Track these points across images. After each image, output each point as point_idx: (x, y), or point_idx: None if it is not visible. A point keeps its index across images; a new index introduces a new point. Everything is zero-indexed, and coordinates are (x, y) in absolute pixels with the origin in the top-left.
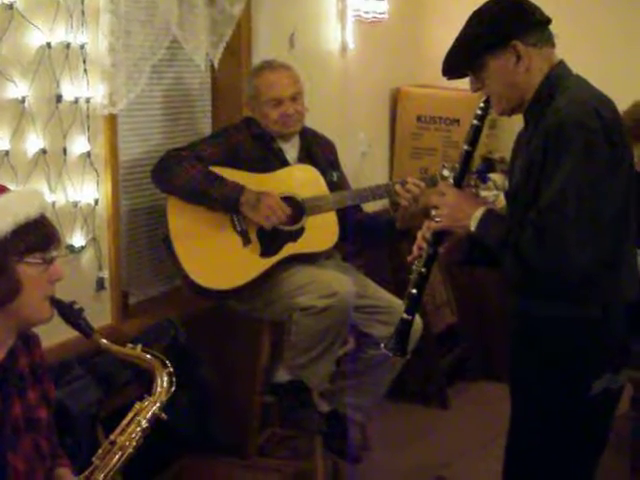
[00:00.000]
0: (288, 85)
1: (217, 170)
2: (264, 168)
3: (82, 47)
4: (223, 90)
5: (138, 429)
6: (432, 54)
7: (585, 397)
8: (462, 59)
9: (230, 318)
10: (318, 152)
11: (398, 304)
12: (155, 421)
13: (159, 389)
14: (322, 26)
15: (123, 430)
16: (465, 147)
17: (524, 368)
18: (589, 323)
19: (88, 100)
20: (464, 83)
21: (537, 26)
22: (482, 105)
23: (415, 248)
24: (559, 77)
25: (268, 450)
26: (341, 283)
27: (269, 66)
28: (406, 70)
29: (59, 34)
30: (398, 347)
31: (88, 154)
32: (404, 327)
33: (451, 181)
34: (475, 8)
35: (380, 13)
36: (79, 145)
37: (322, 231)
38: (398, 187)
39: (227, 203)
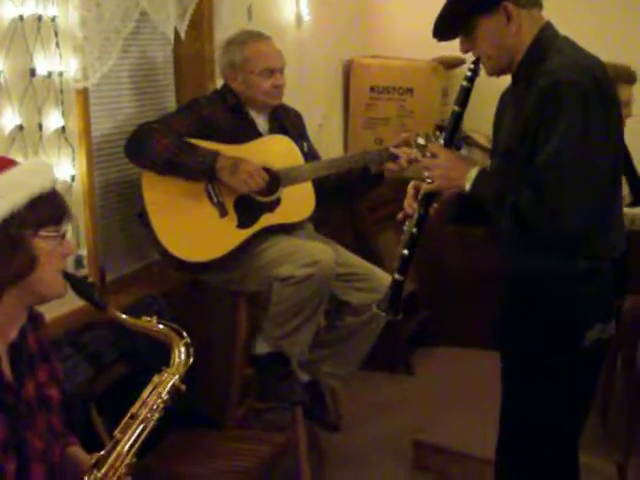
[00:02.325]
0: (279, 56)
1: (190, 141)
2: (237, 139)
3: (53, 20)
4: (186, 63)
5: (159, 401)
6: (383, 25)
7: (579, 347)
8: (453, 20)
9: (206, 292)
10: (288, 123)
11: (374, 271)
12: (175, 393)
13: (177, 360)
14: None
15: (144, 403)
16: (455, 108)
17: (518, 325)
18: (582, 276)
19: (61, 74)
20: (416, 52)
21: None
22: (471, 66)
23: (406, 205)
24: (548, 38)
25: (247, 422)
26: (322, 251)
27: (258, 36)
28: (358, 41)
29: (30, 6)
30: (391, 308)
31: (63, 129)
32: (396, 288)
33: (441, 141)
34: None
35: None
36: (54, 120)
37: (298, 201)
38: (394, 149)
39: (203, 170)
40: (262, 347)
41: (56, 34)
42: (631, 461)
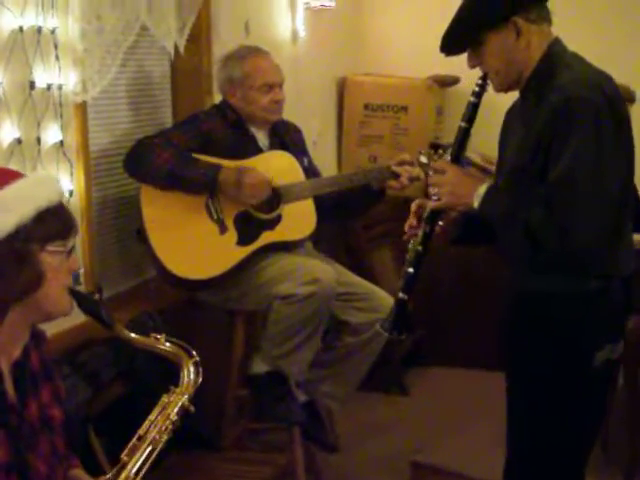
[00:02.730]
0: (277, 72)
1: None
2: (238, 155)
3: (53, 32)
4: (183, 77)
5: (167, 422)
6: (376, 42)
7: (589, 368)
8: (462, 35)
9: (203, 310)
10: (288, 138)
11: (373, 290)
12: (184, 414)
13: (186, 380)
14: (274, 13)
15: (152, 424)
16: (462, 124)
17: (526, 345)
18: (591, 296)
19: (60, 87)
20: (410, 70)
21: (537, 2)
22: (479, 82)
23: (407, 226)
24: (558, 54)
25: (243, 443)
26: (323, 270)
27: (257, 51)
28: (352, 59)
29: (30, 18)
30: (395, 327)
31: (61, 143)
32: (400, 307)
33: (448, 158)
34: (414, 2)
35: (328, 1)
36: (52, 134)
37: (299, 219)
38: (396, 167)
39: (205, 182)
40: (259, 366)
41: (56, 46)
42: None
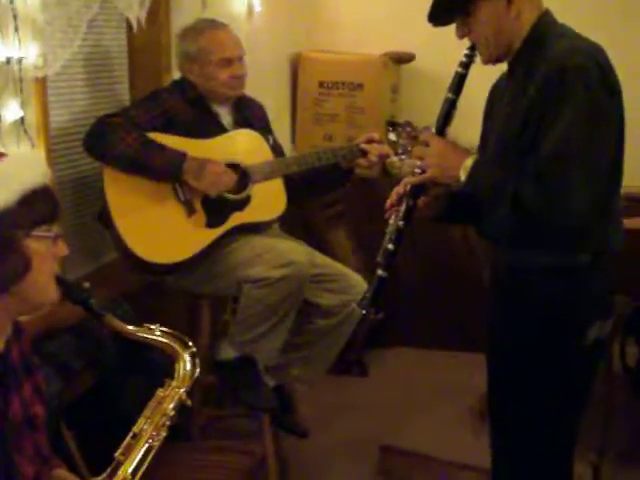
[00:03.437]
0: (236, 45)
1: (154, 137)
2: (201, 134)
3: (11, 2)
4: (140, 53)
5: (164, 418)
6: (329, 18)
7: (581, 346)
8: (452, 4)
9: (165, 295)
10: (253, 116)
11: (344, 271)
12: (180, 408)
13: (182, 372)
14: None
15: (147, 420)
16: (449, 95)
17: (515, 323)
18: (581, 271)
19: (20, 61)
20: (364, 47)
21: None
22: (467, 52)
23: (388, 204)
24: (548, 25)
25: (210, 431)
26: (296, 251)
27: (214, 25)
28: (306, 35)
29: None
30: (372, 305)
31: (22, 121)
32: (380, 284)
33: (433, 130)
34: None
35: None
36: (12, 111)
37: (269, 199)
38: (364, 145)
39: (169, 172)
40: (227, 352)
41: (15, 17)
42: (606, 461)
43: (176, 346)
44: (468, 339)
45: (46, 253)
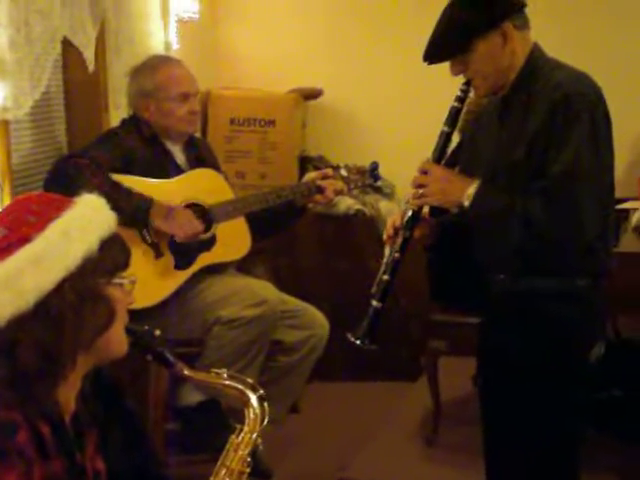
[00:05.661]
0: (192, 80)
1: (118, 179)
2: (160, 173)
3: None
4: (77, 91)
5: (245, 464)
6: (235, 55)
7: (585, 367)
8: (451, 43)
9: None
10: (202, 154)
11: (304, 306)
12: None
13: (252, 416)
14: (152, 24)
15: (228, 470)
16: (444, 128)
17: (516, 347)
18: (582, 294)
19: None
20: (270, 84)
21: (520, 8)
22: (463, 87)
23: (385, 236)
24: (540, 58)
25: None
26: (267, 290)
27: (168, 60)
28: (214, 72)
29: None
30: (368, 337)
31: None
32: (375, 315)
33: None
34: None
35: (193, 12)
36: None
37: (234, 238)
38: (321, 182)
39: (136, 217)
40: (191, 396)
41: None
42: None
43: (246, 390)
44: (389, 368)
45: (123, 301)
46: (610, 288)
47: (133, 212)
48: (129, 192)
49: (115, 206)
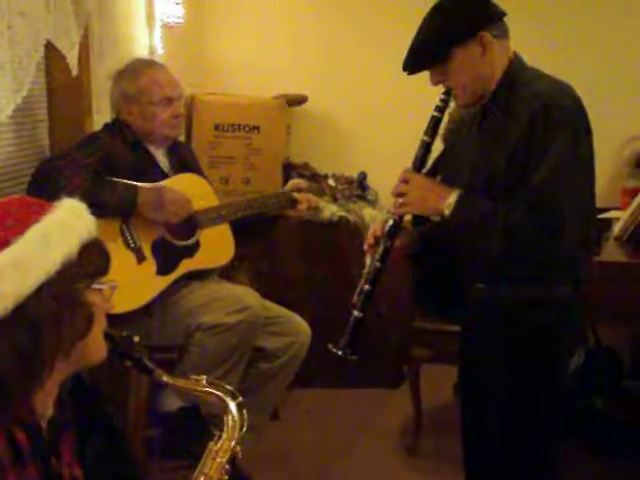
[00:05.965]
0: (176, 84)
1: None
2: (140, 177)
3: None
4: (60, 95)
5: (223, 472)
6: (219, 62)
7: (564, 376)
8: (429, 52)
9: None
10: (185, 158)
11: (286, 313)
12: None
13: (231, 423)
14: (137, 29)
15: (207, 478)
16: (424, 138)
17: (497, 356)
18: (562, 302)
19: None
20: (254, 90)
21: (499, 18)
22: (442, 97)
23: (366, 245)
24: (519, 68)
25: None
26: (250, 296)
27: (152, 64)
28: (199, 77)
29: None
30: (349, 347)
31: None
32: (357, 326)
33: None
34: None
35: (178, 17)
36: None
37: (218, 245)
38: (296, 194)
39: (123, 206)
40: (173, 402)
41: None
42: None
43: (225, 397)
44: (370, 376)
45: (102, 306)
46: (591, 297)
47: (119, 202)
48: (113, 184)
49: (99, 199)
